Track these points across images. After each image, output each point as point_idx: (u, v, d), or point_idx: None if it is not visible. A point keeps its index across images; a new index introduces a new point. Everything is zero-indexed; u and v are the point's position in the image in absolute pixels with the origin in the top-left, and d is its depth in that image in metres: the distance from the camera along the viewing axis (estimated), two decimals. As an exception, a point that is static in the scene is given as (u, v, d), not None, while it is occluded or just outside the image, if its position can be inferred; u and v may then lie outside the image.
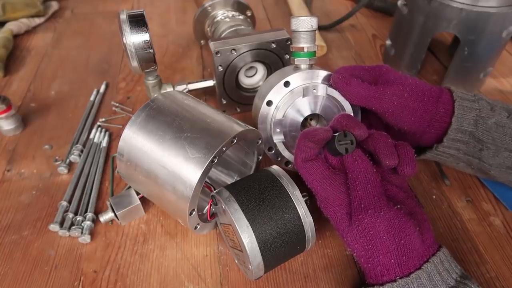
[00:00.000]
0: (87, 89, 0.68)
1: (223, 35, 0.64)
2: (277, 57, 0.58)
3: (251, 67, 0.60)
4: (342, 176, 0.38)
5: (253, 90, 0.62)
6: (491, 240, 0.46)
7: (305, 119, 0.46)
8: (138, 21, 0.49)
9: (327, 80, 0.46)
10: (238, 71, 0.58)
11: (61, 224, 0.46)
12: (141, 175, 0.41)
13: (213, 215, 0.43)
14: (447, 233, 0.47)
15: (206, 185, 0.45)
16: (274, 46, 0.56)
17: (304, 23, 0.45)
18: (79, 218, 0.46)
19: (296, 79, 0.45)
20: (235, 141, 0.39)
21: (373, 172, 0.36)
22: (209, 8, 0.70)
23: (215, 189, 0.40)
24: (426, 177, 0.53)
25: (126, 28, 0.49)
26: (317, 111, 0.46)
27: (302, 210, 0.38)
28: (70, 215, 0.47)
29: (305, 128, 0.48)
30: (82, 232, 0.45)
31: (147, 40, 0.49)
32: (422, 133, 0.45)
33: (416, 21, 0.62)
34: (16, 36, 0.81)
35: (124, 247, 0.45)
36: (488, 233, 0.47)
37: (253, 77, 0.61)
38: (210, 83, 0.61)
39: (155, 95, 0.45)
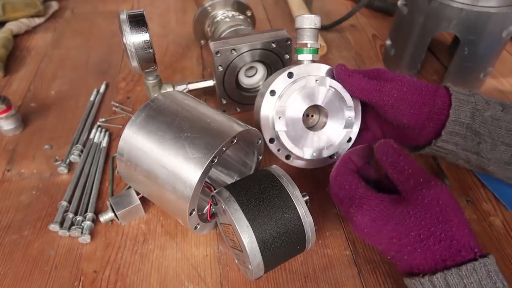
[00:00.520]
0: (87, 89, 0.68)
1: (223, 35, 0.64)
2: (277, 57, 0.58)
3: (251, 67, 0.60)
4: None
5: (253, 90, 0.62)
6: (491, 240, 0.46)
7: (307, 111, 0.47)
8: (138, 21, 0.49)
9: (329, 74, 0.48)
10: (238, 71, 0.58)
11: (61, 224, 0.46)
12: (141, 175, 0.41)
13: (213, 215, 0.43)
14: (447, 233, 0.47)
15: (206, 185, 0.45)
16: (274, 46, 0.56)
17: (308, 21, 0.47)
18: (79, 218, 0.46)
19: (299, 71, 0.47)
20: (235, 141, 0.39)
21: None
22: (209, 8, 0.70)
23: (215, 189, 0.40)
24: (426, 177, 0.53)
25: (126, 28, 0.49)
26: (319, 102, 0.47)
27: (302, 210, 0.38)
28: (70, 215, 0.47)
29: (307, 124, 0.48)
30: (82, 232, 0.45)
31: (147, 40, 0.49)
32: (421, 127, 0.46)
33: (416, 21, 0.62)
34: (16, 36, 0.81)
35: (124, 247, 0.45)
36: (488, 233, 0.47)
37: (253, 77, 0.61)
38: (210, 83, 0.61)
39: (155, 95, 0.45)
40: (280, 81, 0.46)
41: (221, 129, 0.39)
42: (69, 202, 0.49)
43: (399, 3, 0.66)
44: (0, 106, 0.56)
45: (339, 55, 0.78)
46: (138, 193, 0.47)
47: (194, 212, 0.40)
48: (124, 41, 0.49)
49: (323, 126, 0.48)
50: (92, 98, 0.65)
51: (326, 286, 0.42)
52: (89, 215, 0.47)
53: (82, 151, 0.56)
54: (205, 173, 0.37)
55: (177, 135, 0.39)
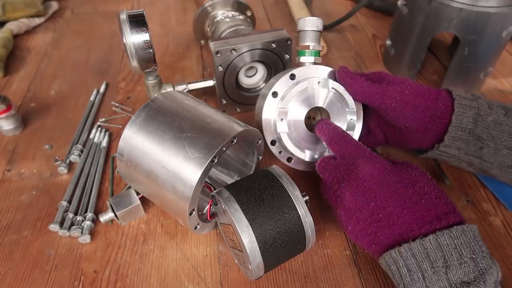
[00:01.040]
0: (87, 89, 0.68)
1: (223, 35, 0.64)
2: (277, 57, 0.58)
3: (251, 67, 0.60)
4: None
5: (253, 90, 0.62)
6: (491, 240, 0.46)
7: (308, 113, 0.47)
8: (138, 21, 0.49)
9: (331, 76, 0.47)
10: (238, 71, 0.58)
11: (61, 224, 0.46)
12: (141, 175, 0.41)
13: (213, 215, 0.43)
14: (447, 233, 0.47)
15: (206, 185, 0.45)
16: (274, 46, 0.56)
17: (310, 23, 0.47)
18: (79, 218, 0.46)
19: (302, 72, 0.47)
20: (235, 141, 0.39)
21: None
22: (209, 8, 0.70)
23: (215, 189, 0.40)
24: (426, 177, 0.53)
25: (126, 28, 0.49)
26: (321, 105, 0.46)
27: (302, 210, 0.38)
28: (70, 215, 0.47)
29: (308, 121, 0.49)
30: (82, 232, 0.45)
31: (147, 40, 0.49)
32: (424, 130, 0.46)
33: (416, 21, 0.62)
34: (16, 36, 0.81)
35: (124, 247, 0.45)
36: (488, 233, 0.47)
37: (253, 77, 0.61)
38: (210, 83, 0.61)
39: (155, 95, 0.45)
40: (282, 83, 0.46)
41: (221, 129, 0.39)
42: (69, 202, 0.49)
43: (399, 3, 0.66)
44: (0, 106, 0.56)
45: (339, 55, 0.78)
46: (138, 193, 0.47)
47: (194, 212, 0.40)
48: (124, 41, 0.49)
49: None
50: (92, 98, 0.65)
51: (326, 286, 0.42)
52: (89, 215, 0.47)
53: (82, 151, 0.56)
54: (205, 173, 0.37)
55: (177, 135, 0.39)
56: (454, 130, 0.44)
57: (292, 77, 0.46)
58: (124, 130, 0.42)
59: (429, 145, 0.48)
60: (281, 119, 0.45)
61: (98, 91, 0.67)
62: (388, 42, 0.72)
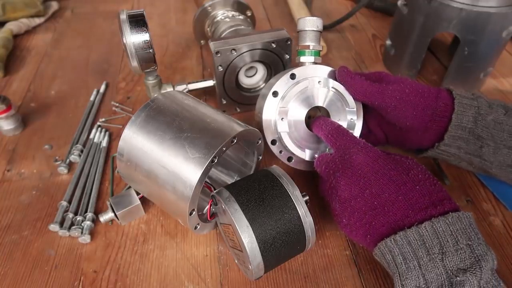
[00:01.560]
0: (87, 89, 0.68)
1: (223, 35, 0.64)
2: (277, 57, 0.58)
3: (251, 67, 0.60)
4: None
5: (253, 90, 0.62)
6: (491, 240, 0.46)
7: (308, 112, 0.47)
8: (138, 21, 0.49)
9: (331, 76, 0.48)
10: (238, 71, 0.58)
11: (61, 224, 0.46)
12: (141, 175, 0.41)
13: (213, 215, 0.43)
14: (447, 233, 0.47)
15: (206, 185, 0.45)
16: (274, 46, 0.56)
17: (310, 23, 0.47)
18: (79, 218, 0.46)
19: (302, 72, 0.47)
20: (235, 141, 0.39)
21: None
22: (209, 8, 0.70)
23: (215, 189, 0.40)
24: (426, 177, 0.53)
25: (126, 28, 0.49)
26: (321, 104, 0.47)
27: (302, 210, 0.38)
28: (70, 215, 0.47)
29: (308, 121, 0.49)
30: (82, 232, 0.45)
31: (147, 40, 0.49)
32: (424, 129, 0.46)
33: (416, 21, 0.62)
34: (16, 36, 0.81)
35: (124, 247, 0.45)
36: (488, 233, 0.46)
37: (253, 77, 0.61)
38: (210, 83, 0.61)
39: (155, 95, 0.45)
40: (282, 83, 0.46)
41: (221, 129, 0.39)
42: (69, 202, 0.49)
43: (399, 3, 0.66)
44: (0, 106, 0.56)
45: (339, 55, 0.78)
46: (138, 193, 0.47)
47: (194, 212, 0.40)
48: (124, 41, 0.49)
49: None
50: (92, 98, 0.65)
51: (326, 286, 0.42)
52: (89, 215, 0.47)
53: (82, 151, 0.56)
54: (205, 173, 0.37)
55: (177, 135, 0.39)
56: (454, 129, 0.44)
57: (293, 76, 0.46)
58: (124, 130, 0.42)
59: (429, 144, 0.48)
60: (282, 119, 0.45)
61: (98, 91, 0.67)
62: (388, 42, 0.72)
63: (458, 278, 0.31)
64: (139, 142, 0.41)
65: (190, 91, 0.60)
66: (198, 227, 0.42)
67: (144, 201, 0.47)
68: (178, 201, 0.38)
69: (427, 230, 0.33)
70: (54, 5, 0.91)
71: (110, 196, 0.50)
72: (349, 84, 0.45)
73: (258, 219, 0.36)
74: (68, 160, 0.54)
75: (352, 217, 0.38)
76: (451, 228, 0.33)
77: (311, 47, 0.47)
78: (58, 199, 0.50)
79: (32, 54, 0.77)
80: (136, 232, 0.47)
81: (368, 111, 0.50)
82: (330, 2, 0.97)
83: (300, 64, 0.48)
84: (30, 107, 0.64)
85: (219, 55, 0.54)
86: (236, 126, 0.40)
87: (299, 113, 0.46)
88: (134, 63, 0.51)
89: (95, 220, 0.47)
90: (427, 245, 0.32)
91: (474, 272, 0.31)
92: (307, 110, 0.46)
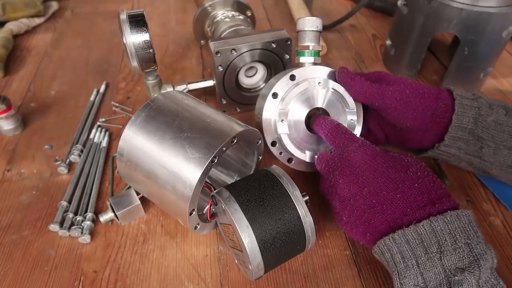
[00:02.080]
0: (87, 89, 0.68)
1: (223, 35, 0.64)
2: (277, 57, 0.58)
3: (251, 67, 0.60)
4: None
5: (253, 90, 0.62)
6: (491, 240, 0.46)
7: (308, 113, 0.47)
8: (138, 21, 0.49)
9: (331, 77, 0.47)
10: (238, 71, 0.58)
11: (61, 224, 0.46)
12: (141, 175, 0.41)
13: (213, 215, 0.43)
14: (447, 233, 0.47)
15: (206, 185, 0.45)
16: (274, 46, 0.56)
17: (310, 23, 0.47)
18: (79, 218, 0.46)
19: (302, 73, 0.47)
20: (235, 141, 0.39)
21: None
22: (209, 8, 0.70)
23: (215, 189, 0.40)
24: (426, 177, 0.53)
25: (126, 28, 0.49)
26: (321, 105, 0.47)
27: (302, 210, 0.38)
28: (70, 215, 0.47)
29: (308, 121, 0.49)
30: (82, 232, 0.45)
31: (147, 40, 0.49)
32: (424, 130, 0.46)
33: (416, 21, 0.62)
34: (16, 36, 0.81)
35: (124, 247, 0.45)
36: (488, 233, 0.46)
37: (253, 77, 0.61)
38: (210, 83, 0.61)
39: (155, 95, 0.45)
40: (282, 84, 0.46)
41: (221, 129, 0.39)
42: (69, 202, 0.49)
43: (399, 3, 0.66)
44: (0, 106, 0.56)
45: (339, 55, 0.78)
46: (138, 193, 0.47)
47: (194, 212, 0.40)
48: (124, 41, 0.49)
49: None
50: (92, 98, 0.65)
51: (326, 286, 0.42)
52: (89, 215, 0.47)
53: (82, 151, 0.56)
54: (205, 173, 0.37)
55: (177, 135, 0.39)
56: (455, 130, 0.44)
57: (292, 78, 0.46)
58: (124, 130, 0.42)
59: (429, 145, 0.48)
60: (282, 120, 0.45)
61: (98, 91, 0.67)
62: (388, 42, 0.72)
63: (456, 277, 0.31)
64: (139, 142, 0.41)
65: (190, 91, 0.60)
66: (198, 227, 0.42)
67: (144, 201, 0.47)
68: (178, 201, 0.38)
69: (425, 229, 0.33)
70: (54, 5, 0.91)
71: (110, 196, 0.50)
72: (349, 85, 0.45)
73: (258, 219, 0.36)
74: (68, 160, 0.54)
75: (352, 215, 0.38)
76: (449, 226, 0.32)
77: (310, 48, 0.47)
78: (58, 199, 0.50)
79: (32, 54, 0.77)
80: (136, 232, 0.47)
81: (368, 111, 0.50)
82: (330, 2, 0.97)
83: (300, 65, 0.48)
84: (30, 107, 0.64)
85: (219, 55, 0.54)
86: (236, 126, 0.40)
87: (299, 114, 0.46)
88: (134, 63, 0.51)
89: (95, 220, 0.47)
90: (425, 244, 0.32)
91: (472, 271, 0.31)
92: (307, 112, 0.46)
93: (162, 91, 0.58)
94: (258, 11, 0.91)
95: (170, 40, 0.82)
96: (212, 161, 0.37)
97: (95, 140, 0.57)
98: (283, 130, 0.46)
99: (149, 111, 0.42)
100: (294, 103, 0.45)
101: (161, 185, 0.39)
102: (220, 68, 0.56)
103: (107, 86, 0.69)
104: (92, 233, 0.46)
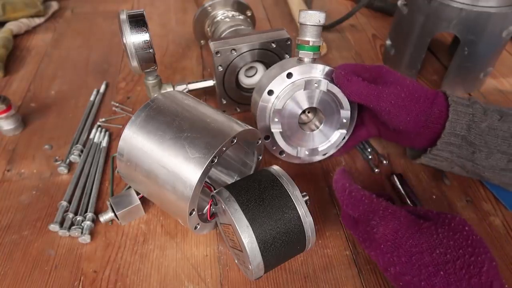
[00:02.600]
0: (87, 89, 0.68)
1: (223, 35, 0.64)
2: (277, 57, 0.58)
3: (251, 67, 0.60)
4: None
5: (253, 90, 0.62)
6: (491, 240, 0.46)
7: (303, 111, 0.48)
8: (138, 21, 0.49)
9: (329, 75, 0.47)
10: (238, 71, 0.58)
11: (61, 224, 0.46)
12: (141, 175, 0.41)
13: (213, 215, 0.43)
14: (447, 233, 0.47)
15: (206, 185, 0.45)
16: (274, 46, 0.56)
17: (312, 17, 0.46)
18: (79, 218, 0.46)
19: (299, 72, 0.47)
20: (235, 141, 0.39)
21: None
22: (209, 8, 0.70)
23: (215, 189, 0.40)
24: (426, 177, 0.53)
25: (126, 28, 0.49)
26: (315, 105, 0.47)
27: (302, 210, 0.38)
28: (70, 215, 0.47)
29: (302, 120, 0.50)
30: (82, 232, 0.45)
31: (147, 40, 0.49)
32: (416, 134, 0.46)
33: (416, 21, 0.62)
34: (16, 36, 0.81)
35: (124, 247, 0.45)
36: (488, 233, 0.46)
37: (253, 77, 0.61)
38: (210, 83, 0.61)
39: (155, 95, 0.45)
40: (278, 81, 0.47)
41: (221, 129, 0.39)
42: (69, 202, 0.49)
43: (399, 3, 0.66)
44: (0, 106, 0.56)
45: (339, 55, 0.78)
46: (138, 193, 0.47)
47: (194, 212, 0.40)
48: (124, 41, 0.49)
49: (318, 127, 0.49)
50: (92, 98, 0.65)
51: (326, 286, 0.42)
52: (89, 215, 0.47)
53: (82, 151, 0.56)
54: (205, 173, 0.37)
55: (177, 135, 0.39)
56: (447, 136, 0.43)
57: (289, 76, 0.47)
58: (124, 130, 0.42)
59: (421, 146, 0.48)
60: (276, 119, 0.46)
61: (98, 91, 0.67)
62: (388, 42, 0.72)
63: None
64: (139, 142, 0.41)
65: (190, 91, 0.60)
66: (198, 227, 0.42)
67: (144, 201, 0.47)
68: (178, 201, 0.38)
69: None
70: (54, 5, 0.91)
71: (110, 196, 0.50)
72: (345, 86, 0.45)
73: (258, 219, 0.36)
74: (68, 160, 0.54)
75: (385, 263, 0.36)
76: None
77: (310, 43, 0.47)
78: (58, 199, 0.50)
79: (32, 54, 0.77)
80: (136, 232, 0.47)
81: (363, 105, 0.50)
82: (330, 2, 0.97)
83: (298, 58, 0.48)
84: (30, 107, 0.64)
85: (219, 55, 0.54)
86: (236, 126, 0.40)
87: (293, 113, 0.47)
88: (134, 63, 0.51)
89: (95, 220, 0.47)
90: None
91: None
92: (301, 111, 0.47)
93: (162, 91, 0.58)
94: (258, 11, 0.91)
95: (170, 40, 0.82)
96: (212, 161, 0.37)
97: (95, 140, 0.57)
98: (276, 128, 0.47)
99: (149, 111, 0.42)
100: (289, 102, 0.46)
101: (161, 185, 0.39)
102: (220, 68, 0.56)
103: (107, 86, 0.69)
104: (92, 233, 0.46)
